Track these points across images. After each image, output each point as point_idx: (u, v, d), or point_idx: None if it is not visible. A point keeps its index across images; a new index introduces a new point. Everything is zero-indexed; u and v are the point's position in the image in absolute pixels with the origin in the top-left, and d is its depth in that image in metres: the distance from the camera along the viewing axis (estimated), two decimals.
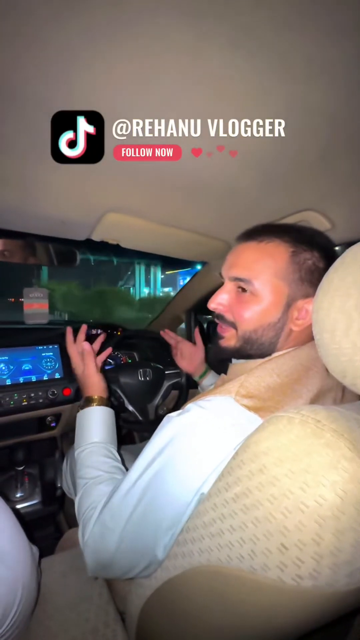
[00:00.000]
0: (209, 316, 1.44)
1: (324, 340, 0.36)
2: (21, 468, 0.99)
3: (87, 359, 0.79)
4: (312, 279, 0.49)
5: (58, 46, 0.35)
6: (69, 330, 0.83)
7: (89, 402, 0.72)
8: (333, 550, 0.27)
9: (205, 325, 1.45)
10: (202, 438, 0.42)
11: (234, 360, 0.57)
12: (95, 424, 0.68)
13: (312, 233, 0.53)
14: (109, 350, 0.89)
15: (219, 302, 0.54)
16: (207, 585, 0.38)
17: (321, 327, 0.36)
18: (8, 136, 0.49)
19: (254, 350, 0.52)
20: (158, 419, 1.08)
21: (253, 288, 0.50)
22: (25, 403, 0.98)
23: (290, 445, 0.31)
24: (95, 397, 0.73)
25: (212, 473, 0.40)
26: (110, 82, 0.40)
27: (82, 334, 0.84)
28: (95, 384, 0.75)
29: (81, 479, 0.58)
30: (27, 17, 0.32)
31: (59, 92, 0.42)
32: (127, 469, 0.65)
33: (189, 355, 1.03)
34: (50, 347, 1.09)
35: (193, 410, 0.44)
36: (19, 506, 0.97)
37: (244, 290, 0.51)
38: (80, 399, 1.05)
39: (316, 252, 0.50)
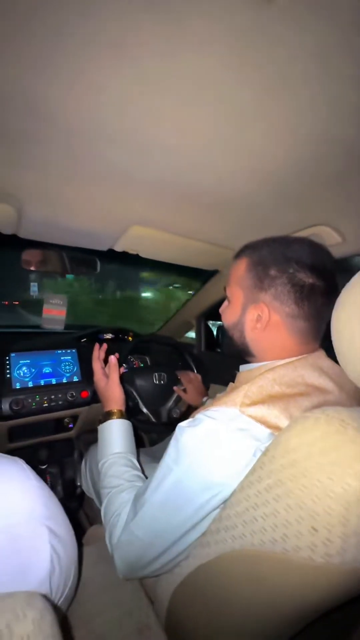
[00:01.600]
0: (219, 322, 1.49)
1: (343, 348, 0.41)
2: (44, 467, 1.03)
3: (112, 371, 0.84)
4: (262, 286, 0.54)
5: (88, 74, 0.39)
6: (96, 347, 0.90)
7: (109, 415, 0.77)
8: (357, 530, 0.32)
9: (215, 331, 1.50)
10: (213, 446, 0.46)
11: (240, 368, 0.62)
12: (115, 436, 0.73)
13: (273, 248, 0.55)
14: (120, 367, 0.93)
15: (222, 307, 0.65)
16: (239, 569, 0.42)
17: (340, 336, 0.41)
18: (45, 157, 0.54)
19: (234, 347, 0.61)
20: (170, 422, 1.13)
21: (227, 293, 0.61)
22: (46, 404, 1.02)
23: (317, 442, 0.36)
24: (115, 410, 0.78)
25: (227, 475, 0.44)
26: (142, 113, 0.45)
27: (102, 351, 0.90)
28: (117, 397, 0.81)
29: (104, 489, 0.64)
30: (57, 45, 0.36)
31: (101, 127, 0.47)
32: (144, 471, 0.70)
33: (195, 389, 1.12)
34: (69, 351, 1.14)
35: (204, 421, 0.48)
36: None
37: (228, 297, 0.62)
38: (96, 402, 1.10)
39: (272, 263, 0.53)
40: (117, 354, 0.90)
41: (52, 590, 0.37)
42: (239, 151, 0.53)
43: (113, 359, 0.86)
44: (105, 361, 0.90)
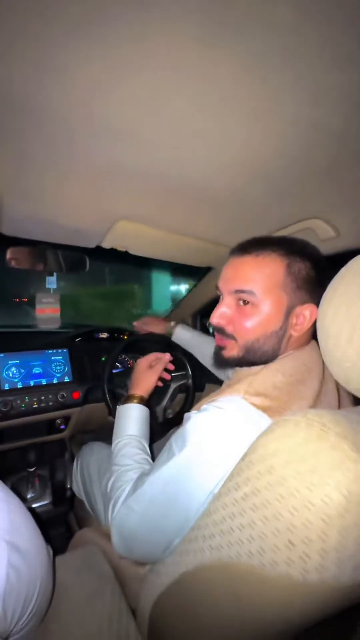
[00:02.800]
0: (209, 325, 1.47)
1: (329, 347, 0.38)
2: (32, 469, 1.01)
3: (160, 364, 0.86)
4: (307, 287, 0.53)
5: (73, 65, 0.37)
6: (164, 355, 0.91)
7: (131, 398, 0.77)
8: (338, 546, 0.29)
9: (210, 330, 1.47)
10: (219, 434, 0.46)
11: (237, 368, 0.59)
12: (133, 419, 0.73)
13: (303, 244, 0.56)
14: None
15: (220, 316, 0.56)
16: (217, 581, 0.40)
17: (326, 334, 0.38)
18: (24, 149, 0.52)
19: (257, 357, 0.54)
20: (166, 422, 1.10)
21: (255, 299, 0.52)
22: (36, 406, 1.01)
23: (297, 447, 0.33)
24: (138, 395, 0.78)
25: (231, 464, 0.42)
26: (125, 102, 0.42)
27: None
28: (147, 385, 0.81)
29: (115, 465, 0.63)
30: (48, 40, 0.34)
31: (80, 116, 0.44)
32: None
33: (153, 320, 1.13)
34: (60, 351, 1.12)
35: (210, 410, 0.48)
36: (30, 506, 1.00)
37: (245, 302, 0.53)
38: (88, 402, 1.08)
39: (307, 261, 0.54)
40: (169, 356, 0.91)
41: (6, 610, 0.35)
42: (226, 143, 0.50)
43: (168, 355, 0.89)
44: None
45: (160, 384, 0.89)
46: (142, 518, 0.50)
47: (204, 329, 1.45)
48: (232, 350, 0.56)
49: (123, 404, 0.77)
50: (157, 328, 1.10)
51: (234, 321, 0.55)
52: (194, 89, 0.40)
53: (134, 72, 0.38)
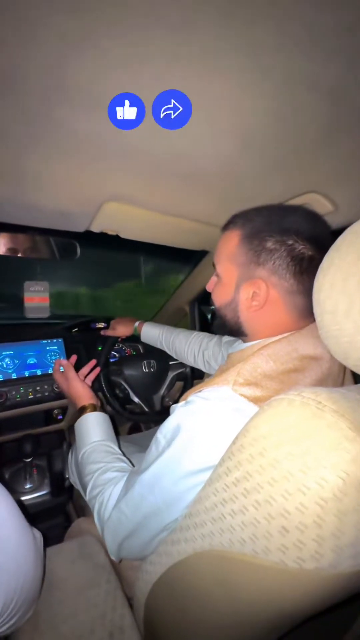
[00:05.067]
0: (212, 307, 1.44)
1: (325, 322, 0.35)
2: (29, 460, 1.00)
3: (67, 372, 0.83)
4: (259, 261, 0.49)
5: (53, 37, 0.34)
6: (56, 362, 0.88)
7: (82, 411, 0.75)
8: (335, 532, 0.27)
9: (209, 316, 1.44)
10: (207, 427, 0.43)
11: (229, 350, 0.59)
12: (91, 428, 0.70)
13: (279, 217, 0.50)
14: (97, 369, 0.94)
15: (207, 285, 0.62)
16: (210, 570, 0.38)
17: (322, 308, 0.36)
18: (2, 126, 0.49)
19: (226, 327, 0.56)
20: (164, 410, 1.09)
21: (217, 271, 0.56)
22: (32, 396, 0.99)
23: (289, 428, 0.30)
24: (87, 404, 0.75)
25: (219, 456, 0.40)
26: (103, 68, 0.39)
27: (61, 362, 0.88)
28: (81, 393, 0.78)
29: (87, 476, 0.61)
30: (24, 12, 0.31)
31: (54, 81, 0.41)
32: (131, 460, 0.67)
33: (120, 322, 1.09)
34: (55, 340, 1.09)
35: (196, 402, 0.45)
36: (28, 497, 0.99)
37: (217, 274, 0.57)
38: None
39: (268, 234, 0.49)
40: (60, 358, 0.92)
41: None
42: (213, 108, 0.46)
43: (62, 360, 0.87)
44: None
45: (88, 382, 0.87)
46: (135, 521, 0.48)
47: (202, 316, 1.42)
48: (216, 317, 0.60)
49: (76, 419, 0.75)
50: (124, 331, 1.07)
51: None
52: (175, 48, 0.36)
53: (108, 26, 0.34)
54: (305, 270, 0.48)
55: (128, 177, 0.65)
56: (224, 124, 0.49)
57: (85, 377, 0.89)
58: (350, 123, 0.49)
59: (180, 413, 0.46)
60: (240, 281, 0.52)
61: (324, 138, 0.52)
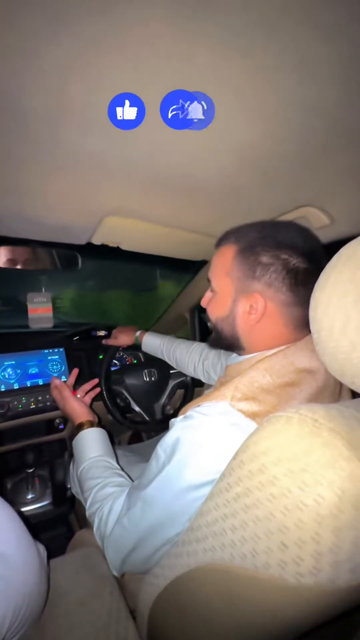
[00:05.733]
0: (208, 322, 1.45)
1: (322, 339, 0.36)
2: (31, 470, 1.00)
3: (62, 391, 0.84)
4: (255, 275, 0.50)
5: (52, 56, 0.35)
6: (53, 380, 0.89)
7: (79, 428, 0.76)
8: (332, 547, 0.28)
9: (209, 324, 1.45)
10: (205, 442, 0.44)
11: (228, 361, 0.60)
12: (88, 444, 0.72)
13: (272, 233, 0.52)
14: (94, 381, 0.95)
15: (203, 300, 0.62)
16: (212, 584, 0.39)
17: (319, 325, 0.36)
18: (6, 145, 0.50)
19: (223, 341, 0.57)
20: (165, 419, 1.09)
21: (212, 285, 0.57)
22: (33, 406, 1.00)
23: (288, 445, 0.31)
24: (84, 421, 0.77)
25: (218, 471, 0.41)
26: (104, 89, 0.40)
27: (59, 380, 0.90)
28: (77, 412, 0.79)
29: (86, 492, 0.62)
30: (21, 30, 0.33)
31: (56, 101, 0.42)
32: (132, 471, 0.68)
33: (122, 331, 1.10)
34: (56, 350, 1.10)
35: (195, 417, 0.47)
36: (30, 507, 0.99)
37: (211, 289, 0.58)
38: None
39: (271, 250, 0.50)
40: (54, 377, 0.92)
41: None
42: (213, 127, 0.48)
43: (56, 380, 0.88)
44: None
45: (87, 400, 0.89)
46: (138, 537, 0.49)
47: (202, 324, 1.43)
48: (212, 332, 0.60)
49: (74, 437, 0.76)
50: (126, 340, 1.08)
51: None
52: (172, 69, 0.38)
53: (106, 52, 0.35)
54: (301, 282, 0.49)
55: (129, 192, 0.67)
56: (222, 141, 0.51)
57: (87, 393, 0.91)
58: (345, 140, 0.50)
59: (179, 428, 0.47)
60: (237, 295, 0.53)
61: (319, 154, 0.53)
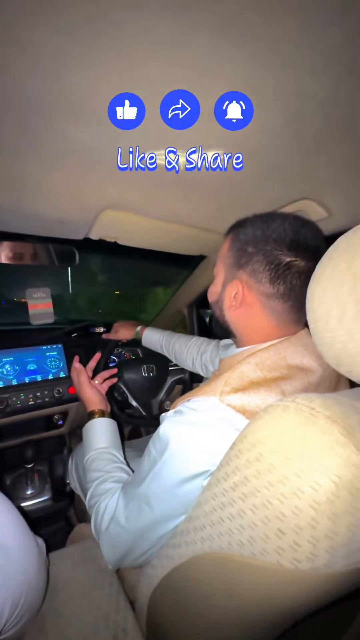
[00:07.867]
0: (210, 310, 1.45)
1: (318, 329, 0.36)
2: (30, 466, 1.01)
3: (79, 375, 0.85)
4: (240, 263, 0.52)
5: (48, 47, 0.35)
6: (76, 358, 0.90)
7: (91, 416, 0.77)
8: (329, 533, 0.28)
9: (207, 320, 1.45)
10: (194, 436, 0.45)
11: (221, 355, 0.61)
12: (98, 434, 0.73)
13: (256, 225, 0.52)
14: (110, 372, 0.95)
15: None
16: (210, 572, 0.39)
17: (315, 315, 0.37)
18: (2, 137, 0.50)
19: (220, 325, 0.59)
20: (162, 414, 1.10)
21: (214, 271, 0.60)
22: (32, 402, 1.00)
23: (285, 433, 0.32)
24: (96, 410, 0.78)
25: (209, 465, 0.42)
26: (100, 80, 0.40)
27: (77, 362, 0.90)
28: (90, 398, 0.80)
29: (89, 483, 0.63)
30: (16, 18, 0.32)
31: (53, 94, 0.42)
32: (130, 466, 0.68)
33: (123, 326, 1.10)
34: (54, 346, 1.10)
35: (184, 412, 0.47)
36: (30, 502, 1.00)
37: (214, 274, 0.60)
38: None
39: (251, 239, 0.51)
40: (77, 357, 0.90)
41: None
42: (211, 118, 0.47)
43: (76, 364, 0.88)
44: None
45: (105, 387, 0.89)
46: (133, 533, 0.50)
47: (200, 320, 1.43)
48: None
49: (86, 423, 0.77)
50: (126, 334, 1.09)
51: None
52: (168, 58, 0.37)
53: (100, 42, 0.35)
54: (282, 275, 0.48)
55: (126, 185, 0.66)
56: (218, 132, 0.50)
57: (105, 380, 0.91)
58: (342, 132, 0.50)
59: (168, 423, 0.47)
60: (225, 281, 0.55)
61: (317, 147, 0.53)
